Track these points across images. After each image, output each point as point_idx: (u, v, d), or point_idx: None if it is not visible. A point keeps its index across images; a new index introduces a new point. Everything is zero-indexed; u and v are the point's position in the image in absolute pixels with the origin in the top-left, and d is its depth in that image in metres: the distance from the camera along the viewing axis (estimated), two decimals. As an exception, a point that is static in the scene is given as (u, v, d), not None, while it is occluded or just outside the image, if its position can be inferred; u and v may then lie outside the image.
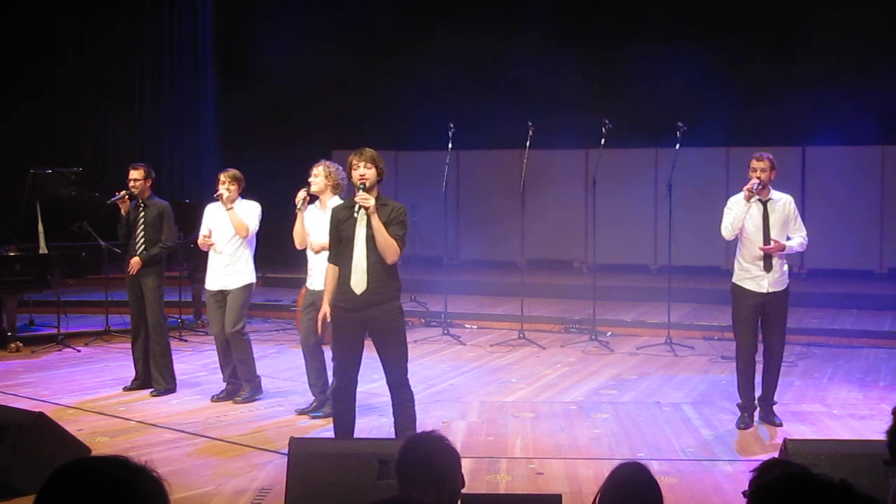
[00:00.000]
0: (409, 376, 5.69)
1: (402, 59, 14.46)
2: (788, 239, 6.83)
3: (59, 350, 9.79)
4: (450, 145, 10.60)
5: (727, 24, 13.84)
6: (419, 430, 5.32)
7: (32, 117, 15.04)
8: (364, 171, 5.54)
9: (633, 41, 13.70)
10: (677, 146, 9.88)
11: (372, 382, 7.22)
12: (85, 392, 8.00)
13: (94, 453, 5.57)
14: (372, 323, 5.56)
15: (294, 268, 7.90)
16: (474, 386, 8.27)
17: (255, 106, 15.18)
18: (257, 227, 7.71)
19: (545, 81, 14.46)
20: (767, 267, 6.75)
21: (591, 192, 10.99)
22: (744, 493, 2.79)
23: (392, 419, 5.73)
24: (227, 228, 7.63)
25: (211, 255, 7.71)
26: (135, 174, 7.96)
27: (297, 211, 7.13)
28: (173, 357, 8.15)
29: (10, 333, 9.75)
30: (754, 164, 6.74)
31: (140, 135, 15.69)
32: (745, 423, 6.81)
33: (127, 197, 7.92)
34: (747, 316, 6.81)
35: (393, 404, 5.67)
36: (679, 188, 10.21)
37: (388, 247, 5.47)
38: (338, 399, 5.79)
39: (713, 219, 12.81)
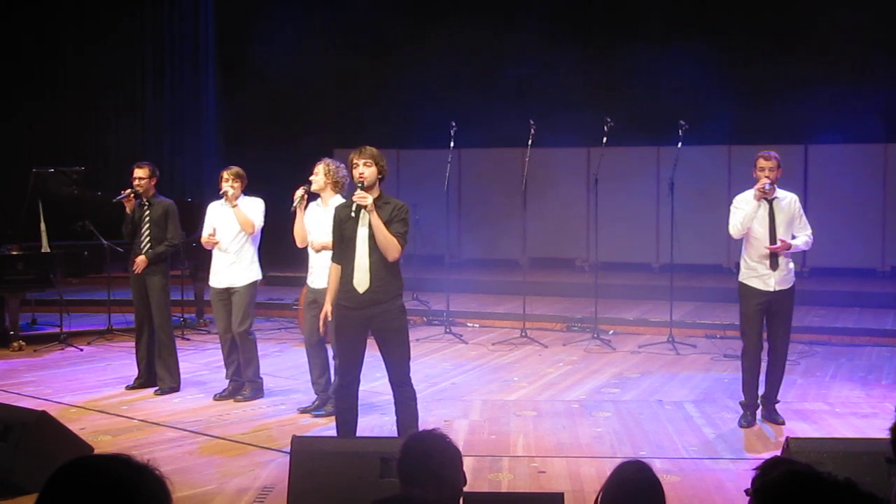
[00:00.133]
0: (411, 375, 5.69)
1: (404, 57, 14.46)
2: (794, 238, 6.83)
3: (62, 349, 9.80)
4: (451, 144, 10.60)
5: (729, 21, 13.82)
6: (421, 428, 5.32)
7: (34, 117, 15.05)
8: (363, 169, 5.54)
9: (634, 39, 13.70)
10: (679, 144, 9.88)
11: (374, 381, 7.23)
12: (87, 391, 8.01)
13: (96, 452, 5.58)
14: (375, 321, 5.56)
15: (295, 266, 7.90)
16: (476, 384, 8.27)
17: (256, 105, 15.19)
18: (262, 224, 7.71)
19: (547, 80, 14.45)
20: (774, 265, 6.75)
21: (592, 190, 10.99)
22: (746, 491, 2.79)
23: (394, 417, 5.73)
24: (232, 226, 7.63)
25: (215, 253, 7.71)
26: (139, 173, 7.95)
27: (292, 209, 7.12)
28: (176, 356, 8.15)
29: (12, 332, 9.76)
30: (762, 163, 6.73)
31: (141, 134, 15.70)
32: (747, 421, 6.81)
33: (132, 195, 7.91)
34: (754, 314, 6.81)
35: (395, 403, 5.67)
36: (681, 186, 10.21)
37: (389, 244, 5.47)
38: (340, 397, 5.79)
39: (715, 217, 12.92)
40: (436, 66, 14.00)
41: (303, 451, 4.91)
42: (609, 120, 10.23)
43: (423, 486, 3.15)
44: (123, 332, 10.29)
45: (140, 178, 7.92)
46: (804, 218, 6.94)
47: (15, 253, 9.84)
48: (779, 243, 6.72)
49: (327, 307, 5.71)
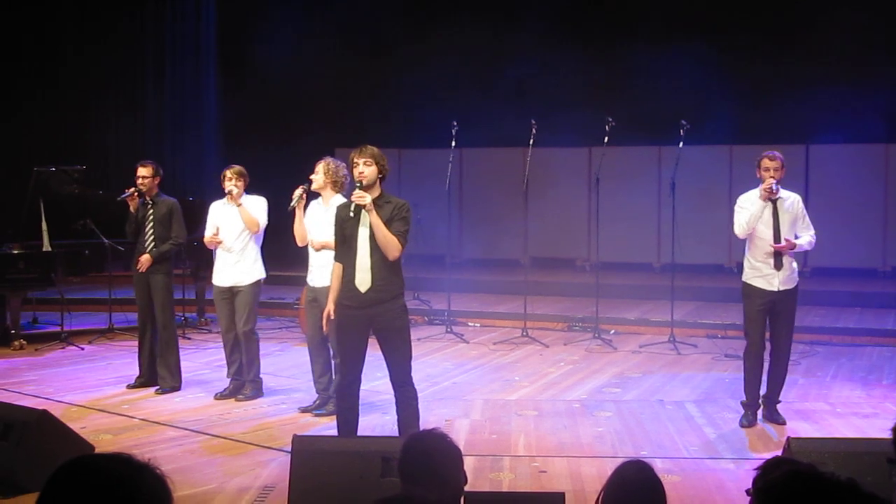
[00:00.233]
0: (412, 374, 5.69)
1: (405, 56, 14.45)
2: (797, 237, 6.83)
3: (63, 348, 9.80)
4: (453, 143, 10.60)
5: (731, 21, 13.81)
6: (422, 427, 5.32)
7: (35, 116, 15.06)
8: (363, 168, 5.53)
9: (635, 39, 13.69)
10: (680, 144, 9.87)
11: (375, 380, 7.23)
12: (88, 390, 8.01)
13: (97, 451, 5.58)
14: (377, 321, 5.56)
15: (296, 265, 7.90)
16: (477, 384, 8.27)
17: (257, 104, 15.19)
18: (266, 222, 7.72)
19: (548, 79, 14.45)
20: (778, 265, 6.75)
21: (594, 190, 10.98)
22: (747, 491, 2.79)
23: (395, 417, 5.73)
24: (236, 225, 7.63)
25: (219, 252, 7.71)
26: (143, 171, 7.95)
27: (289, 208, 7.13)
28: (177, 355, 8.15)
29: (13, 331, 9.76)
30: (767, 163, 6.72)
31: (142, 133, 15.71)
32: (748, 420, 6.81)
33: (136, 194, 7.91)
34: (758, 314, 6.80)
35: (396, 402, 5.67)
36: (682, 186, 10.20)
37: (389, 243, 5.46)
38: (341, 397, 5.79)
39: (716, 217, 12.96)
40: (437, 65, 13.99)
41: (304, 451, 4.91)
42: (610, 120, 10.22)
43: (423, 486, 3.14)
44: (124, 331, 10.30)
45: (143, 177, 7.92)
46: (807, 218, 6.95)
47: (16, 252, 9.84)
48: (783, 242, 6.71)
49: (330, 305, 5.71)
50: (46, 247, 9.94)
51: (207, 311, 11.24)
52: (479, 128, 13.37)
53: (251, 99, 15.18)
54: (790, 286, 6.82)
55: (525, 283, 11.01)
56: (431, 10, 14.63)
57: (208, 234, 7.73)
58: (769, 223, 6.75)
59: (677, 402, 7.58)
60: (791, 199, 6.86)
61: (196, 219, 9.82)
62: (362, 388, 5.81)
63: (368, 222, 5.49)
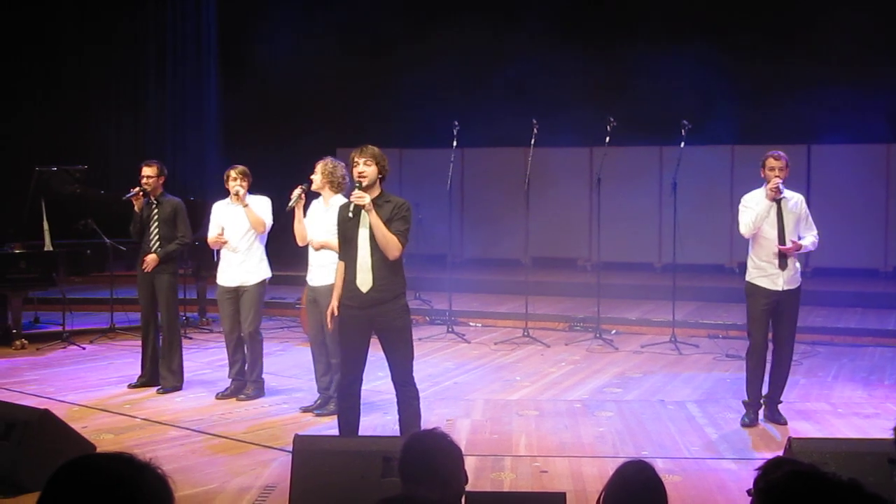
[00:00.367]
0: (413, 374, 5.68)
1: (406, 56, 14.45)
2: (800, 238, 6.83)
3: (64, 347, 9.81)
4: (454, 143, 10.60)
5: (732, 21, 13.81)
6: (423, 427, 5.32)
7: (36, 116, 15.06)
8: (363, 168, 5.52)
9: (637, 39, 13.70)
10: (682, 144, 9.87)
11: (376, 380, 7.23)
12: (90, 389, 8.02)
13: (98, 450, 5.57)
14: (378, 321, 5.55)
15: (298, 265, 7.90)
16: (479, 384, 8.27)
17: (258, 104, 15.20)
18: (272, 222, 7.72)
19: (549, 79, 14.45)
20: (782, 265, 6.75)
21: (595, 189, 10.98)
22: (748, 491, 2.78)
23: (396, 417, 5.73)
24: (241, 225, 7.62)
25: (224, 252, 7.70)
26: (147, 171, 7.94)
27: (287, 208, 7.15)
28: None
29: (15, 331, 9.77)
30: (772, 162, 6.72)
31: (143, 133, 15.72)
32: (750, 420, 6.80)
33: (141, 194, 7.91)
34: (762, 314, 6.80)
35: (398, 402, 5.67)
36: (684, 186, 10.19)
37: (388, 243, 5.46)
38: (342, 396, 5.79)
39: (718, 217, 12.98)
40: (438, 65, 13.99)
41: (305, 451, 4.91)
42: (612, 119, 10.22)
43: (424, 486, 3.14)
44: (126, 331, 10.31)
45: (148, 177, 7.91)
46: (810, 218, 6.95)
47: (17, 251, 9.84)
48: (790, 244, 6.71)
49: (334, 303, 5.71)
50: (48, 246, 9.94)
51: (209, 311, 11.26)
52: (480, 127, 13.37)
53: (252, 98, 15.19)
54: (794, 286, 6.82)
55: (526, 282, 11.01)
56: (432, 9, 14.63)
57: (212, 234, 7.72)
58: (773, 223, 6.75)
59: (678, 402, 7.57)
60: (795, 199, 6.86)
61: (197, 218, 9.82)
62: (363, 387, 5.81)
63: (368, 222, 5.49)
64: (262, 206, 7.66)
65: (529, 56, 14.13)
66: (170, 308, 7.98)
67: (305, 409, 7.22)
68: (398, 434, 5.60)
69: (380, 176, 5.57)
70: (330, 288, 6.62)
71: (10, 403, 6.12)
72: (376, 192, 5.57)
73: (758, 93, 13.81)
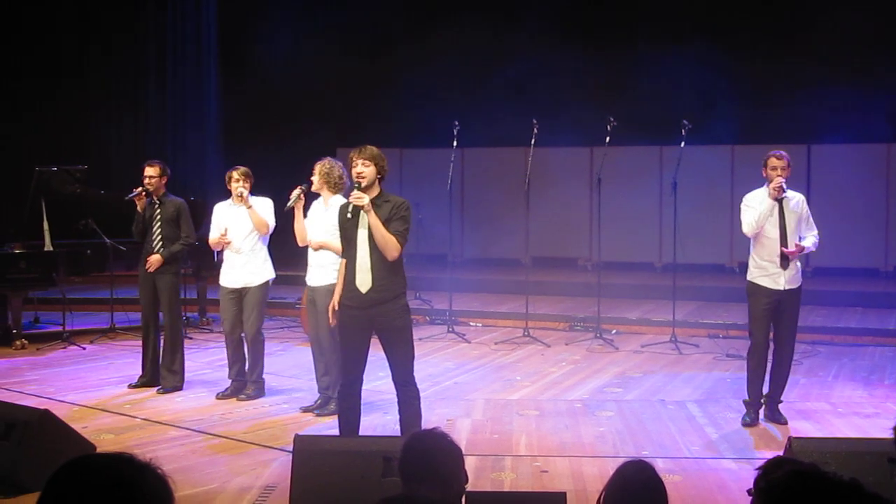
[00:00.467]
0: (414, 374, 5.68)
1: (406, 56, 14.46)
2: (801, 238, 6.83)
3: (65, 347, 9.81)
4: (454, 143, 10.60)
5: (733, 21, 13.81)
6: (424, 427, 5.31)
7: (37, 116, 15.06)
8: (361, 168, 5.52)
9: (638, 39, 13.70)
10: (682, 144, 9.87)
11: (377, 380, 7.23)
12: (90, 389, 8.02)
13: (98, 450, 5.58)
14: (378, 321, 5.55)
15: (298, 265, 7.90)
16: (479, 384, 8.27)
17: (258, 104, 15.20)
18: (275, 224, 7.72)
19: (549, 79, 14.45)
20: (784, 264, 6.75)
21: (595, 189, 10.98)
22: (749, 490, 2.78)
23: (397, 416, 5.73)
24: (244, 226, 7.62)
25: (227, 253, 7.70)
26: (150, 171, 7.92)
27: (285, 209, 7.17)
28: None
29: (15, 331, 9.77)
30: (774, 162, 6.72)
31: (144, 133, 15.72)
32: (750, 419, 6.80)
33: (143, 194, 7.90)
34: (763, 313, 6.79)
35: (398, 402, 5.66)
36: (684, 186, 10.19)
37: (387, 243, 5.45)
38: (343, 396, 5.79)
39: (718, 217, 12.98)
40: (438, 65, 13.99)
41: (305, 450, 4.91)
42: (612, 119, 10.22)
43: (425, 485, 3.14)
44: (126, 331, 10.31)
45: (150, 177, 7.90)
46: (811, 218, 6.95)
47: (18, 251, 9.84)
48: (793, 246, 6.71)
49: (335, 298, 5.73)
50: (48, 246, 9.94)
51: (209, 311, 11.26)
52: (480, 127, 13.37)
53: (252, 98, 15.18)
54: (795, 285, 6.83)
55: (526, 282, 11.01)
56: (432, 9, 14.63)
57: (214, 235, 7.71)
58: (776, 223, 6.75)
59: (679, 401, 7.57)
60: (796, 199, 6.86)
61: (198, 218, 9.80)
62: (364, 387, 5.81)
63: (367, 223, 5.49)
64: (264, 208, 7.66)
65: (529, 56, 14.13)
66: (172, 308, 7.98)
67: (306, 409, 7.22)
68: (399, 434, 5.60)
69: (379, 176, 5.57)
70: (328, 288, 6.71)
71: (10, 403, 6.12)
72: (375, 191, 5.57)
73: (758, 93, 13.81)
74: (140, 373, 8.14)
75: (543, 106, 12.78)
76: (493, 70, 14.44)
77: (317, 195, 7.17)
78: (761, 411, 6.91)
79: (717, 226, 13.15)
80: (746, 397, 6.90)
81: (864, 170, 13.26)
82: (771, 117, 13.59)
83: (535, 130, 10.44)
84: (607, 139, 10.23)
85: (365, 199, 5.44)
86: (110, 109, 15.59)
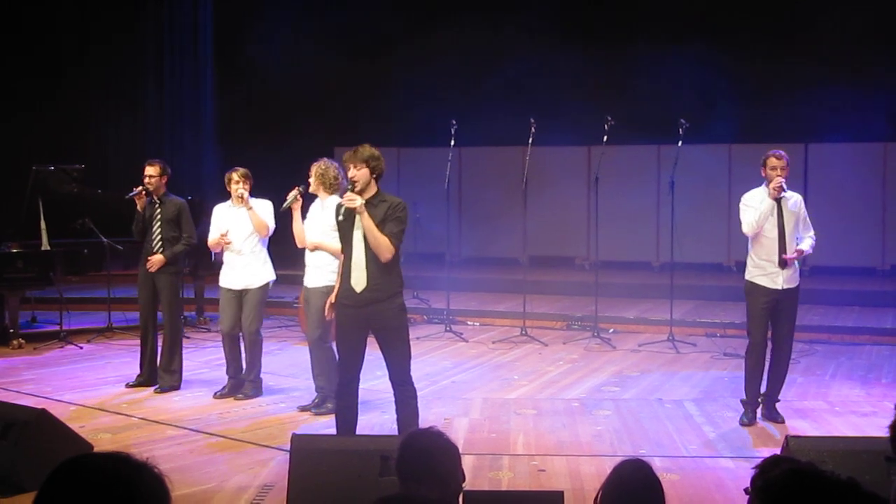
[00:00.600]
0: (411, 373, 5.69)
1: (404, 55, 14.45)
2: (799, 238, 6.84)
3: (62, 347, 9.80)
4: (452, 142, 10.60)
5: (730, 20, 13.81)
6: (421, 426, 5.31)
7: (34, 115, 15.04)
8: (353, 172, 5.52)
9: (635, 38, 13.69)
10: (680, 143, 9.87)
11: (374, 379, 7.23)
12: (87, 389, 8.01)
13: (96, 450, 5.57)
14: (374, 320, 5.55)
15: (296, 265, 7.91)
16: (477, 383, 8.27)
17: (255, 104, 15.20)
18: (275, 226, 7.71)
19: (547, 78, 14.45)
20: (782, 263, 6.75)
21: (593, 188, 10.98)
22: (746, 489, 2.79)
23: (394, 416, 5.74)
24: (244, 227, 7.61)
25: (227, 254, 7.70)
26: (150, 170, 7.90)
27: (281, 209, 7.19)
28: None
29: (12, 330, 9.76)
30: (774, 161, 6.72)
31: (142, 132, 15.72)
32: (748, 418, 6.81)
33: (143, 193, 7.89)
34: (761, 312, 6.80)
35: (396, 401, 5.67)
36: (681, 185, 10.20)
37: (380, 245, 5.45)
38: (340, 395, 5.79)
39: (716, 216, 12.99)
40: (436, 64, 13.98)
41: (303, 450, 4.91)
42: (610, 118, 10.22)
43: (422, 485, 3.14)
44: (123, 330, 10.31)
45: (151, 176, 7.88)
46: (808, 219, 6.96)
47: (15, 251, 9.84)
48: (791, 251, 6.72)
49: (333, 297, 5.74)
50: (45, 246, 9.93)
51: (207, 311, 11.25)
52: (478, 126, 13.37)
53: (249, 98, 15.18)
54: (793, 285, 6.83)
55: (524, 281, 11.01)
56: (430, 8, 14.62)
57: (214, 236, 7.70)
58: (774, 223, 6.76)
59: (676, 400, 7.58)
60: (795, 199, 6.87)
61: (196, 218, 9.79)
62: (361, 386, 5.82)
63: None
64: (264, 210, 7.66)
65: (527, 55, 14.12)
66: (172, 308, 7.98)
67: (303, 408, 7.23)
68: (396, 433, 5.60)
69: (374, 175, 5.55)
70: (321, 290, 6.81)
71: (8, 403, 6.12)
72: (372, 191, 5.56)
73: (755, 92, 13.82)
74: (138, 372, 8.13)
75: (541, 105, 12.76)
76: (491, 69, 14.43)
77: (315, 196, 7.19)
78: (759, 410, 6.92)
79: (715, 225, 13.15)
80: (744, 396, 6.91)
81: (862, 169, 13.27)
82: (768, 116, 13.59)
83: (533, 129, 10.45)
84: (605, 138, 10.24)
85: (357, 202, 5.44)
86: (108, 109, 15.58)
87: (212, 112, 16.14)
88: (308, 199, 7.23)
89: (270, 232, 7.69)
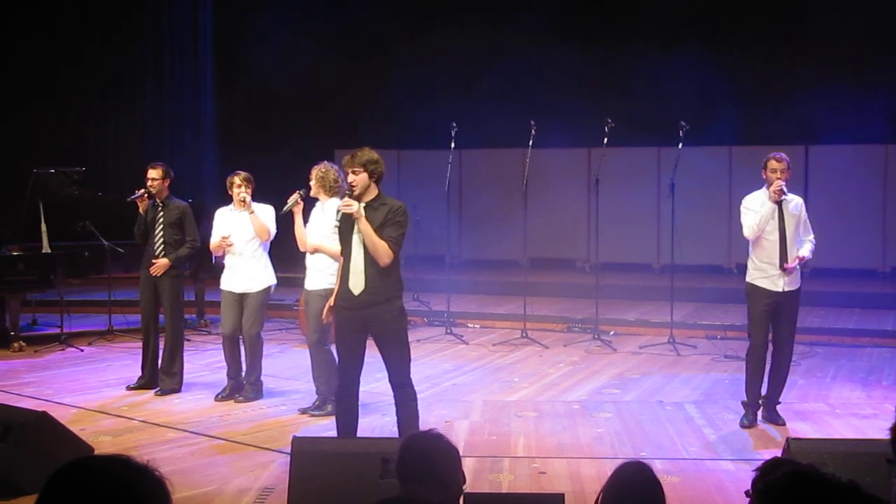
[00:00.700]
0: (411, 376, 5.68)
1: (404, 57, 14.45)
2: (799, 241, 6.83)
3: (62, 349, 9.80)
4: (452, 144, 10.60)
5: (730, 22, 13.81)
6: (421, 428, 5.31)
7: (34, 118, 15.04)
8: (352, 176, 5.51)
9: (635, 40, 13.69)
10: (680, 145, 9.88)
11: (374, 382, 7.22)
12: (88, 392, 8.01)
13: (96, 452, 5.57)
14: (372, 323, 5.55)
15: (296, 268, 7.92)
16: (477, 385, 8.27)
17: (255, 105, 15.19)
18: (276, 231, 7.71)
19: (547, 80, 14.45)
20: (783, 265, 6.75)
21: (593, 191, 10.99)
22: (747, 492, 2.78)
23: (394, 418, 5.73)
24: (246, 231, 7.61)
25: (229, 258, 7.70)
26: (153, 173, 7.89)
27: (282, 212, 7.20)
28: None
29: (13, 333, 9.75)
30: (774, 164, 6.72)
31: (142, 133, 15.72)
32: (749, 421, 6.81)
33: (146, 196, 7.88)
34: (762, 315, 6.80)
35: (396, 404, 5.67)
36: (682, 187, 10.20)
37: (378, 250, 5.44)
38: (340, 398, 5.79)
39: (716, 218, 12.99)
40: (436, 66, 13.99)
41: (303, 452, 4.91)
42: (610, 121, 10.23)
43: (423, 487, 3.15)
44: (124, 333, 10.31)
45: (153, 179, 7.87)
46: (808, 223, 6.96)
47: (15, 253, 9.83)
48: (792, 254, 6.72)
49: (332, 299, 5.76)
50: (46, 248, 9.93)
51: (207, 313, 11.25)
52: (478, 129, 13.37)
53: (249, 100, 15.17)
54: (794, 287, 6.83)
55: (524, 284, 11.01)
56: (430, 10, 14.62)
57: (215, 240, 7.70)
58: (776, 225, 6.76)
59: (677, 403, 7.58)
60: (796, 202, 6.87)
61: (196, 220, 9.79)
62: (361, 389, 5.82)
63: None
64: (266, 215, 7.66)
65: (527, 57, 14.12)
66: (174, 311, 7.97)
67: (304, 411, 7.23)
68: (397, 436, 5.59)
69: (373, 179, 5.54)
70: (320, 293, 6.84)
71: (8, 406, 6.12)
72: (373, 194, 5.56)
73: (755, 94, 13.82)
74: (139, 374, 8.13)
75: (541, 107, 12.77)
76: (491, 71, 14.44)
77: (316, 200, 7.21)
78: (759, 412, 6.91)
79: (715, 227, 13.15)
80: (745, 398, 6.90)
81: (862, 171, 13.27)
82: (768, 118, 13.60)
83: (533, 132, 10.45)
84: (605, 140, 10.24)
85: (354, 207, 5.43)
86: (107, 109, 15.59)
87: (211, 113, 16.15)
88: (310, 203, 7.24)
89: (272, 237, 7.69)
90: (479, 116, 13.70)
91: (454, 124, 10.55)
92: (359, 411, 5.80)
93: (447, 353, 9.75)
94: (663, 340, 9.90)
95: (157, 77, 15.91)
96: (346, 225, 5.56)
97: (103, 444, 6.29)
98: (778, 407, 6.94)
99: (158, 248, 7.87)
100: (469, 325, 11.19)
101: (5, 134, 14.72)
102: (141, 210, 7.90)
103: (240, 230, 7.62)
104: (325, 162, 7.25)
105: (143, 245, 8.01)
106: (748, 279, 6.92)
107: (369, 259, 5.48)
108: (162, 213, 7.90)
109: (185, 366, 8.23)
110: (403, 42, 14.64)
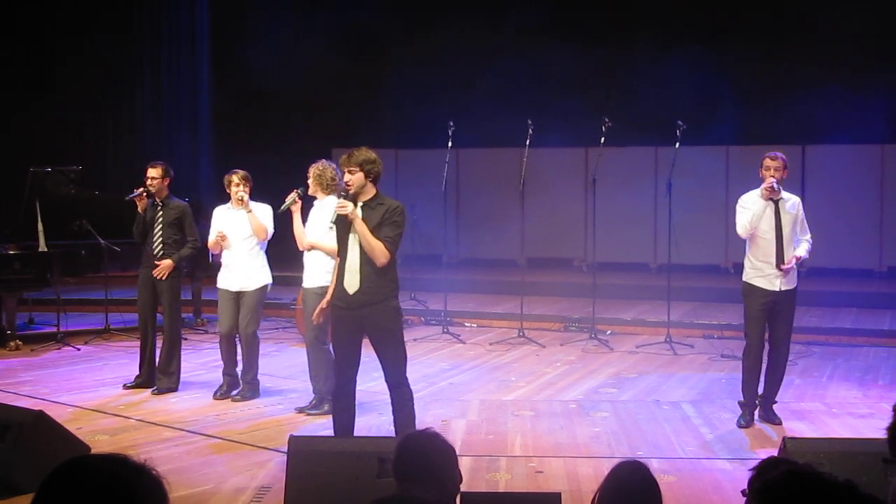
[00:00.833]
0: (408, 375, 5.68)
1: (402, 56, 14.45)
2: (796, 241, 6.84)
3: (59, 348, 9.79)
4: (449, 144, 10.60)
5: (727, 22, 13.83)
6: (418, 428, 5.32)
7: (32, 117, 15.03)
8: (348, 176, 5.50)
9: (633, 39, 13.70)
10: (677, 145, 9.88)
11: (371, 381, 7.22)
12: (85, 390, 8.00)
13: (93, 451, 5.57)
14: (368, 323, 5.55)
15: (293, 266, 7.92)
16: (474, 384, 8.27)
17: (252, 105, 15.18)
18: (273, 230, 7.71)
19: (545, 80, 14.45)
20: (780, 265, 6.76)
21: (590, 190, 10.99)
22: (743, 491, 2.79)
23: (391, 417, 5.73)
24: (243, 230, 7.61)
25: (226, 256, 7.70)
26: (152, 172, 7.87)
27: (279, 211, 7.21)
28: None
29: (9, 332, 9.74)
30: (768, 162, 6.73)
31: (140, 133, 15.71)
32: (746, 420, 6.81)
33: (145, 195, 7.87)
34: (759, 314, 6.81)
35: (392, 404, 5.67)
36: (679, 187, 10.21)
37: (374, 250, 5.43)
38: (337, 397, 5.79)
39: (713, 217, 13.01)
40: (433, 65, 13.98)
41: (300, 451, 4.91)
42: (607, 120, 10.23)
43: (419, 486, 3.15)
44: (121, 332, 10.30)
45: (153, 178, 7.86)
46: (805, 222, 6.96)
47: (12, 252, 9.82)
48: (789, 253, 6.73)
49: (327, 298, 5.76)
50: (42, 247, 9.92)
51: (204, 312, 11.24)
52: (475, 128, 13.36)
53: (246, 100, 15.16)
54: (791, 286, 6.84)
55: (521, 283, 11.01)
56: (428, 9, 14.62)
57: (213, 238, 7.70)
58: (772, 224, 6.76)
59: (673, 402, 7.58)
60: (793, 201, 6.87)
61: (195, 219, 9.80)
62: (358, 388, 5.82)
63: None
64: (263, 214, 7.66)
65: (525, 57, 14.13)
66: (172, 310, 7.97)
67: (300, 410, 7.23)
68: (393, 435, 5.60)
69: (370, 179, 5.52)
70: (315, 291, 6.85)
71: (5, 405, 6.12)
72: (370, 193, 5.55)
73: (753, 94, 13.83)
74: (136, 373, 8.12)
75: (539, 107, 12.77)
76: (488, 71, 14.44)
77: (314, 198, 7.21)
78: (756, 412, 6.92)
79: (712, 227, 13.16)
80: (741, 398, 6.91)
81: (859, 170, 13.29)
82: (766, 118, 13.61)
83: (530, 131, 10.45)
84: (602, 140, 10.24)
85: (349, 208, 5.43)
86: (104, 109, 15.57)
87: (208, 112, 16.13)
88: (308, 202, 7.25)
89: (269, 236, 7.69)
90: (477, 116, 13.70)
91: (451, 124, 10.54)
92: (355, 410, 5.81)
93: (444, 352, 9.76)
94: (660, 340, 9.91)
95: (156, 76, 15.90)
96: (342, 224, 5.56)
97: (100, 443, 6.29)
98: (774, 406, 6.95)
99: (157, 247, 7.87)
100: (466, 324, 11.19)
101: (3, 133, 14.70)
102: (139, 209, 7.88)
103: (237, 228, 7.62)
104: (323, 160, 7.26)
105: (141, 244, 8.00)
106: (745, 278, 6.93)
107: (365, 258, 5.48)
108: (161, 213, 7.88)
109: (182, 365, 8.23)
110: (401, 42, 14.64)
